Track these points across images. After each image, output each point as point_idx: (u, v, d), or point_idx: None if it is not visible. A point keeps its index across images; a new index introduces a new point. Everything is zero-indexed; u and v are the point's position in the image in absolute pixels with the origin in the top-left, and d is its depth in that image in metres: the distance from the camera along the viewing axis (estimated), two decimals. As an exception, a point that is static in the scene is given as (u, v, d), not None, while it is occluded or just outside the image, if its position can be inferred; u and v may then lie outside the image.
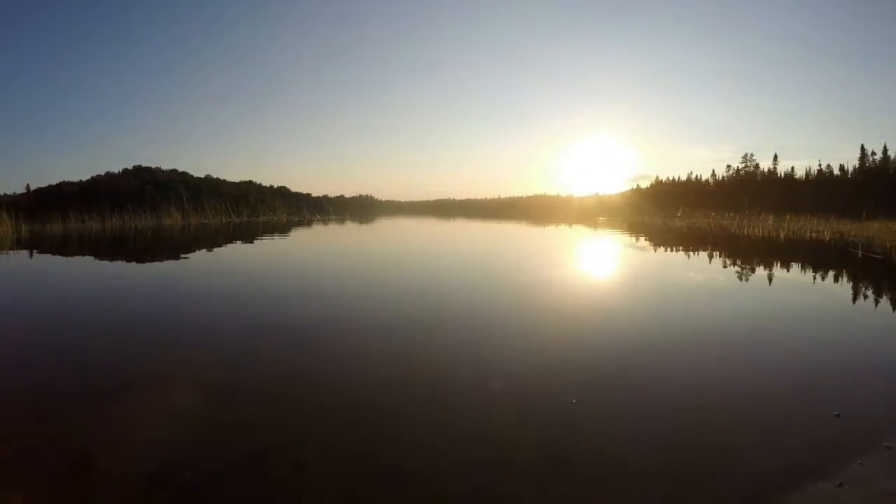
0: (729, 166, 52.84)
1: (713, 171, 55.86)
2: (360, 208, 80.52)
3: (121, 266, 12.76)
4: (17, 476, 2.38)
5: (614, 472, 2.37)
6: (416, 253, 15.59)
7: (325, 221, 44.62)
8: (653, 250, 15.82)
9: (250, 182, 66.12)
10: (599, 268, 11.77)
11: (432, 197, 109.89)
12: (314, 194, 74.85)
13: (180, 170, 56.31)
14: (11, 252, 16.44)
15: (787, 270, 10.44)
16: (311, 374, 3.85)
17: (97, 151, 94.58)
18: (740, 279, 9.06)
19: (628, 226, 33.91)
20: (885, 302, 6.91)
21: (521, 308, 6.40)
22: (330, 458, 2.51)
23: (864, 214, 25.34)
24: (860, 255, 13.18)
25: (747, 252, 15.09)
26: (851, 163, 42.11)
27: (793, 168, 48.79)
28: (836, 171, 43.48)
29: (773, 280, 8.86)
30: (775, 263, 11.82)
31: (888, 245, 15.43)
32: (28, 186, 49.75)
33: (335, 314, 6.15)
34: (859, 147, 41.00)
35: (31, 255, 15.43)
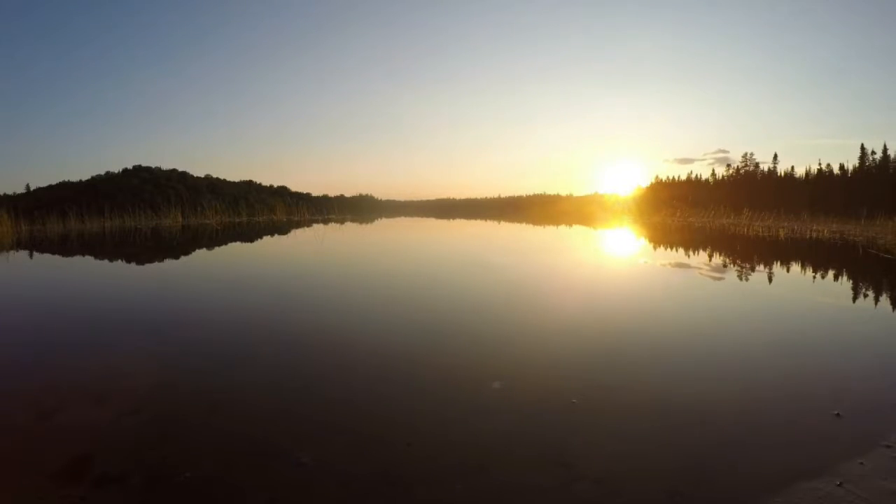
0: (729, 165, 52.81)
1: (713, 170, 55.84)
2: (360, 208, 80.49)
3: (120, 266, 12.75)
4: (17, 475, 2.38)
5: (615, 473, 2.36)
6: (415, 253, 15.58)
7: (325, 221, 44.59)
8: (652, 249, 15.83)
9: (250, 182, 66.12)
10: (598, 267, 11.76)
11: (432, 196, 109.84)
12: (314, 194, 74.92)
13: (180, 170, 56.37)
14: (11, 252, 16.44)
15: (787, 270, 10.44)
16: (310, 373, 3.85)
17: (97, 151, 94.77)
18: (739, 278, 9.06)
19: (624, 225, 33.91)
20: (886, 301, 6.91)
21: (520, 308, 6.40)
22: (330, 459, 2.51)
23: (864, 214, 25.36)
24: (861, 253, 13.18)
25: (746, 251, 15.09)
26: (851, 162, 42.09)
27: (792, 167, 48.57)
28: (836, 171, 43.45)
29: (773, 279, 8.86)
30: (773, 262, 11.82)
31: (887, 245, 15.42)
32: (28, 186, 49.85)
33: (334, 313, 6.14)
34: (859, 147, 40.97)
35: (30, 256, 15.43)
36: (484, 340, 4.77)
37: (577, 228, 30.95)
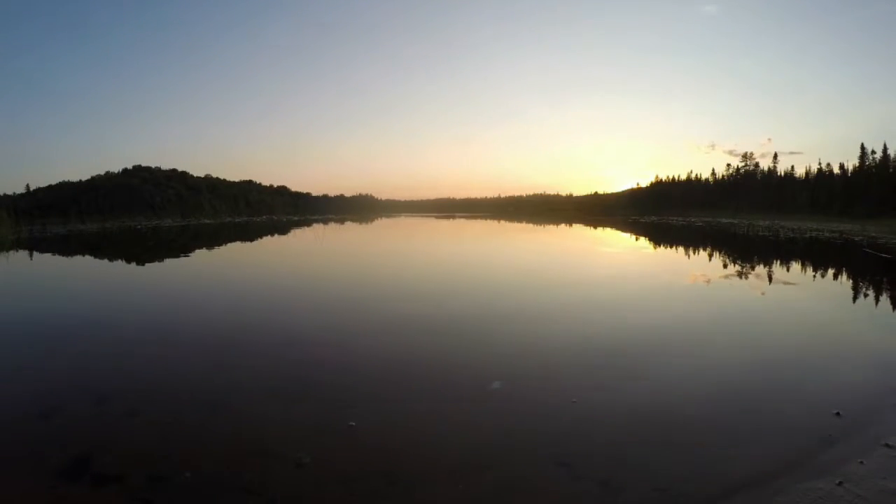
0: (729, 165, 52.87)
1: (713, 170, 55.80)
2: (360, 208, 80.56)
3: (120, 267, 12.75)
4: (18, 475, 2.38)
5: (614, 471, 2.36)
6: (415, 253, 15.58)
7: (325, 221, 44.58)
8: (653, 248, 15.84)
9: (250, 182, 66.14)
10: (595, 266, 11.76)
11: (432, 196, 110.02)
12: (314, 194, 75.01)
13: (180, 169, 56.38)
14: (12, 252, 16.43)
15: (787, 269, 10.43)
16: (310, 374, 3.84)
17: (97, 151, 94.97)
18: (741, 278, 9.06)
19: (624, 225, 33.90)
20: (885, 301, 6.91)
21: (520, 309, 6.39)
22: (330, 459, 2.50)
23: (864, 214, 25.36)
24: (860, 252, 13.17)
25: (745, 251, 15.09)
26: (851, 162, 41.95)
27: (792, 167, 48.55)
28: (836, 171, 43.36)
29: (774, 280, 8.85)
30: (772, 262, 11.81)
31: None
32: (28, 186, 49.86)
33: (334, 314, 6.14)
34: (859, 146, 40.76)
35: (30, 256, 15.42)
36: (485, 340, 4.76)
37: (576, 228, 30.95)
